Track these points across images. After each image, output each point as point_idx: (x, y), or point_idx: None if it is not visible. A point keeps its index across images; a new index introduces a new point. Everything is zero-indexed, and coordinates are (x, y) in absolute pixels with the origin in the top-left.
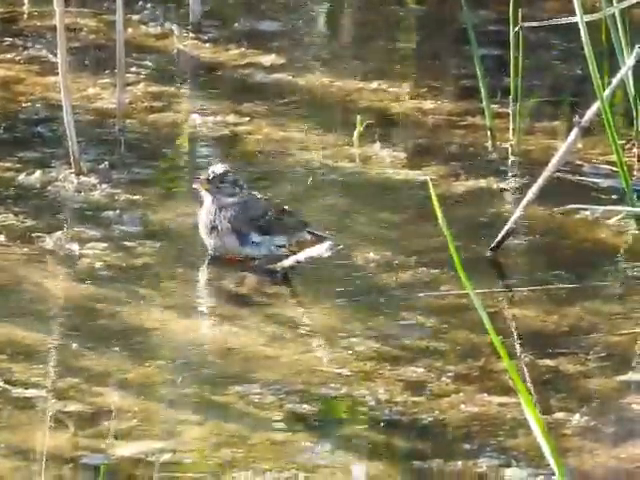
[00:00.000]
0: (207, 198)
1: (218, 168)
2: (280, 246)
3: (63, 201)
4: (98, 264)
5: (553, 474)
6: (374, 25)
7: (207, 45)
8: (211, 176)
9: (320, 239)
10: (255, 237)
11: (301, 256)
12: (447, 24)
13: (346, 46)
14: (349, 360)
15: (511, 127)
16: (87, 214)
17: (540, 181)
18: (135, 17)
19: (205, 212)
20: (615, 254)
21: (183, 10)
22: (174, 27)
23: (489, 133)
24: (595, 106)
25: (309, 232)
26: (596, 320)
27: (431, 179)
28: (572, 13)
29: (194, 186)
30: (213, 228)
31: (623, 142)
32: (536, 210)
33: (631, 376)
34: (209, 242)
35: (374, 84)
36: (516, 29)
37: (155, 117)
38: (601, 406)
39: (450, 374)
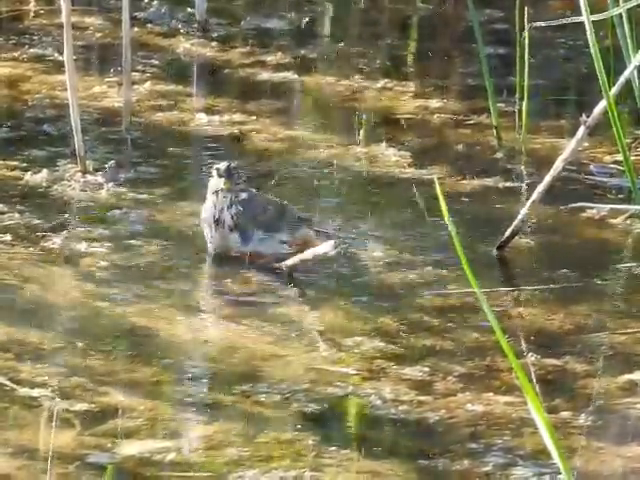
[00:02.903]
0: (212, 194)
1: (231, 164)
2: (283, 242)
3: (69, 200)
4: (104, 263)
5: (559, 473)
6: (380, 24)
7: (213, 44)
8: (231, 172)
9: (324, 236)
10: (258, 234)
11: (306, 255)
12: (453, 23)
13: (352, 45)
14: (355, 359)
15: (517, 126)
16: (93, 213)
17: (546, 180)
18: (141, 15)
19: (210, 207)
20: (621, 253)
21: (189, 9)
22: (180, 26)
23: (495, 132)
24: (601, 105)
25: (313, 229)
26: (602, 319)
27: (437, 178)
28: (578, 11)
29: (222, 186)
30: (217, 223)
31: (629, 141)
32: (542, 209)
33: (637, 375)
34: (210, 237)
35: (380, 83)
36: (526, 30)
37: (161, 116)
38: (607, 405)
39: (456, 373)
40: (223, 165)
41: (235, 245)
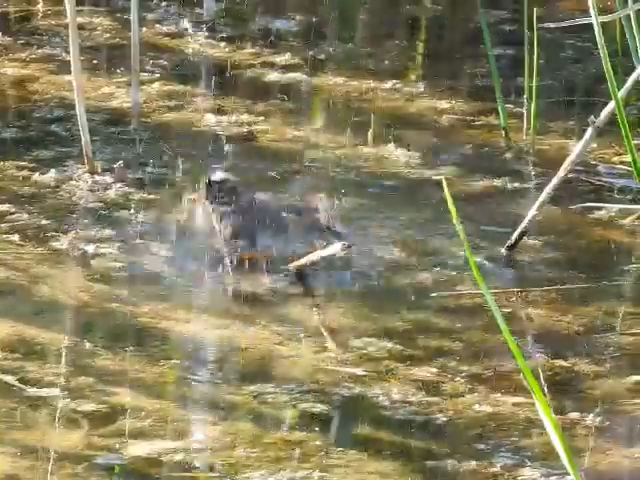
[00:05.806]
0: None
1: (216, 176)
2: (293, 243)
3: (77, 200)
4: (112, 263)
5: (567, 474)
6: (389, 24)
7: (222, 44)
8: (210, 185)
9: (334, 235)
10: (263, 237)
11: (315, 256)
12: (462, 23)
13: (361, 45)
14: (363, 360)
15: (525, 127)
16: (101, 213)
17: (555, 181)
18: (150, 16)
19: (205, 217)
20: (629, 253)
21: (198, 9)
22: (189, 26)
23: (503, 133)
24: (610, 106)
25: (324, 228)
26: (610, 320)
27: (446, 179)
28: (587, 12)
29: (190, 197)
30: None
31: (638, 142)
32: (551, 210)
33: None
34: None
35: (389, 84)
36: (534, 31)
37: (170, 116)
38: (615, 406)
39: (464, 374)
40: (210, 177)
41: (243, 249)
